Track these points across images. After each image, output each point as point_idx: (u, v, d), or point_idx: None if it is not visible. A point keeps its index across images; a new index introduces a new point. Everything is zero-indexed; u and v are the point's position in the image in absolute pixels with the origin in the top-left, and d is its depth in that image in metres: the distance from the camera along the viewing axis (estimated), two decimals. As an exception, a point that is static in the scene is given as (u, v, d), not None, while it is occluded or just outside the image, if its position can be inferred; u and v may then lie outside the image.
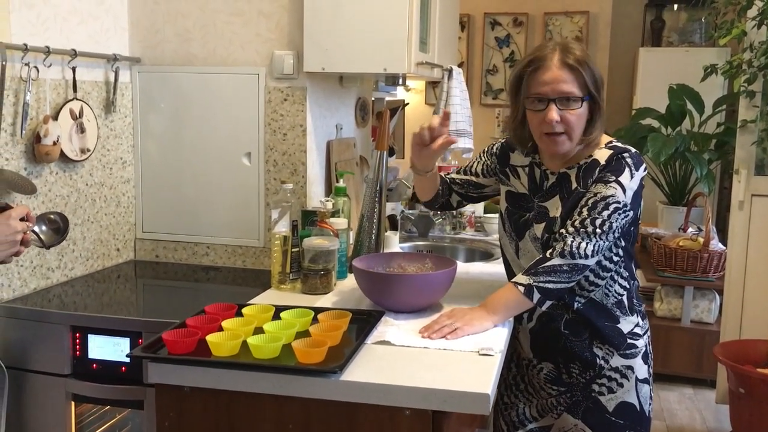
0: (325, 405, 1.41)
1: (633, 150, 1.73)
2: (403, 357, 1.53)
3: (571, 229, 1.67)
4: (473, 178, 2.00)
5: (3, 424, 1.78)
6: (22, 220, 1.61)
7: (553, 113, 1.67)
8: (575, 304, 1.76)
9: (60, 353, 1.99)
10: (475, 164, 2.00)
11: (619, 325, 1.78)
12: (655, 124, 4.47)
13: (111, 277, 2.41)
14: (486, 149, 1.99)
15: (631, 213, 1.70)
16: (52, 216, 1.81)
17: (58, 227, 1.80)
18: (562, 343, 1.79)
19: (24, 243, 1.62)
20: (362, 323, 1.68)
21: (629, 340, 1.78)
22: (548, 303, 1.68)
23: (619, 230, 1.69)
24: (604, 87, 1.74)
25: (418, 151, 1.82)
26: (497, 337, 1.63)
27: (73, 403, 2.02)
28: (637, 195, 1.70)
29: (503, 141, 1.95)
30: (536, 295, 1.65)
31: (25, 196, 2.10)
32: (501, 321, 1.70)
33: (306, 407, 1.42)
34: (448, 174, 2.05)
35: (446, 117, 1.78)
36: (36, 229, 1.72)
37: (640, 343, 1.80)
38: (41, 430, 2.03)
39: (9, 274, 2.09)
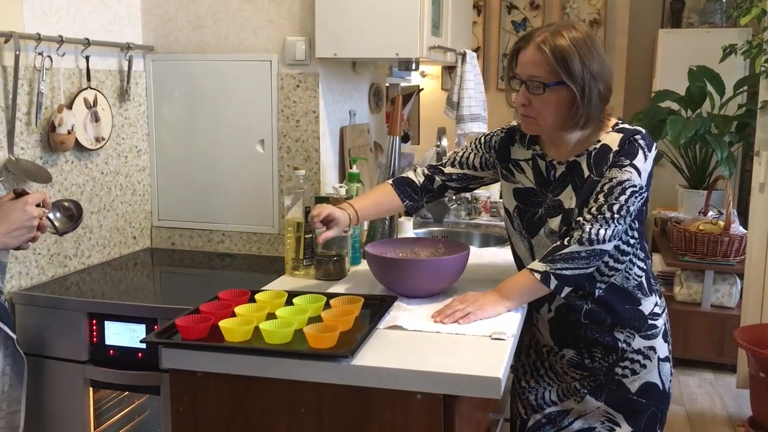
0: (337, 389, 1.41)
1: (643, 131, 1.70)
2: (415, 341, 1.52)
3: (588, 216, 1.65)
4: (471, 172, 1.91)
5: (23, 410, 1.81)
6: (38, 206, 1.63)
7: (519, 95, 1.68)
8: (596, 291, 1.74)
9: (77, 340, 2.01)
10: (472, 157, 1.91)
11: (640, 307, 1.77)
12: (675, 106, 4.41)
13: (127, 264, 2.43)
14: (483, 141, 1.90)
15: (646, 194, 1.68)
16: (66, 203, 1.83)
17: (72, 214, 1.82)
18: (582, 332, 1.78)
19: (40, 228, 1.64)
20: (375, 308, 1.68)
21: (650, 321, 1.77)
22: (567, 290, 1.66)
23: (635, 212, 1.67)
24: (603, 78, 1.64)
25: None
26: (510, 322, 1.62)
27: (91, 389, 2.04)
28: (650, 175, 1.68)
29: (503, 134, 1.88)
30: (553, 282, 1.63)
31: (41, 184, 2.11)
32: (514, 307, 1.69)
33: (318, 391, 1.42)
34: (440, 170, 1.93)
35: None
36: (51, 215, 1.74)
37: (660, 322, 1.79)
38: (60, 416, 2.06)
39: (27, 262, 2.11)
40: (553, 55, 1.60)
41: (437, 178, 1.93)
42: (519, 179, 1.84)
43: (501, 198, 1.95)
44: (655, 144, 1.70)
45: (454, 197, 2.85)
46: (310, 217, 1.82)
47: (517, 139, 1.85)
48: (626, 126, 1.72)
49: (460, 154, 1.94)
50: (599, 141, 1.71)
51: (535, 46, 1.63)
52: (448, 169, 1.93)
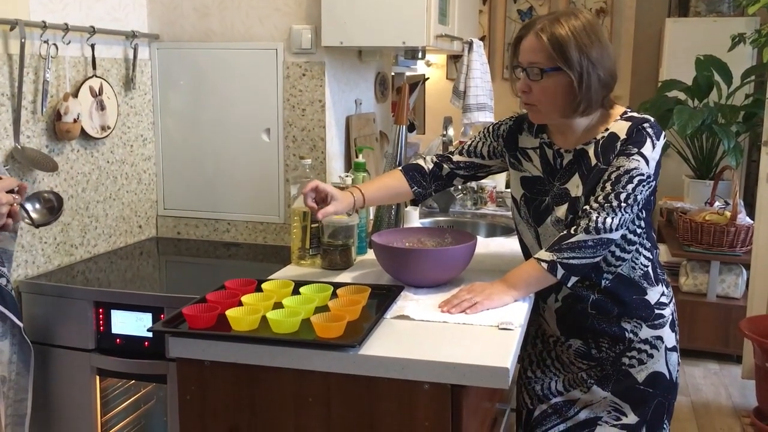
0: (345, 379, 1.41)
1: (652, 119, 1.69)
2: (423, 331, 1.52)
3: (595, 205, 1.64)
4: (478, 160, 1.92)
5: (30, 398, 1.81)
6: (12, 192, 1.55)
7: (520, 83, 1.69)
8: (603, 281, 1.74)
9: (84, 328, 2.02)
10: (480, 146, 1.92)
11: (646, 297, 1.76)
12: (682, 96, 4.39)
13: (133, 253, 2.43)
14: (491, 130, 1.91)
15: (653, 183, 1.67)
16: (46, 194, 1.72)
17: (52, 206, 1.71)
18: (589, 322, 1.78)
19: (12, 216, 1.56)
20: (381, 298, 1.68)
21: (657, 311, 1.77)
22: (573, 279, 1.65)
23: (642, 201, 1.67)
24: (603, 64, 1.63)
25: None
26: (517, 312, 1.62)
27: (97, 377, 2.05)
28: (658, 164, 1.68)
29: (511, 123, 1.89)
30: (560, 271, 1.63)
31: (47, 173, 2.11)
32: (521, 296, 1.68)
33: (325, 381, 1.42)
34: (449, 158, 1.93)
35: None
36: (29, 206, 1.66)
37: (667, 312, 1.79)
38: (67, 404, 2.07)
39: (33, 251, 2.11)
40: (550, 41, 1.61)
41: (445, 165, 1.94)
42: (526, 168, 1.83)
43: (507, 188, 1.95)
44: (663, 133, 1.69)
45: (460, 187, 2.85)
46: (302, 194, 1.80)
47: (525, 127, 1.85)
48: (635, 114, 1.71)
49: (468, 143, 1.95)
50: (607, 129, 1.70)
51: (534, 34, 1.64)
52: (456, 158, 1.94)
